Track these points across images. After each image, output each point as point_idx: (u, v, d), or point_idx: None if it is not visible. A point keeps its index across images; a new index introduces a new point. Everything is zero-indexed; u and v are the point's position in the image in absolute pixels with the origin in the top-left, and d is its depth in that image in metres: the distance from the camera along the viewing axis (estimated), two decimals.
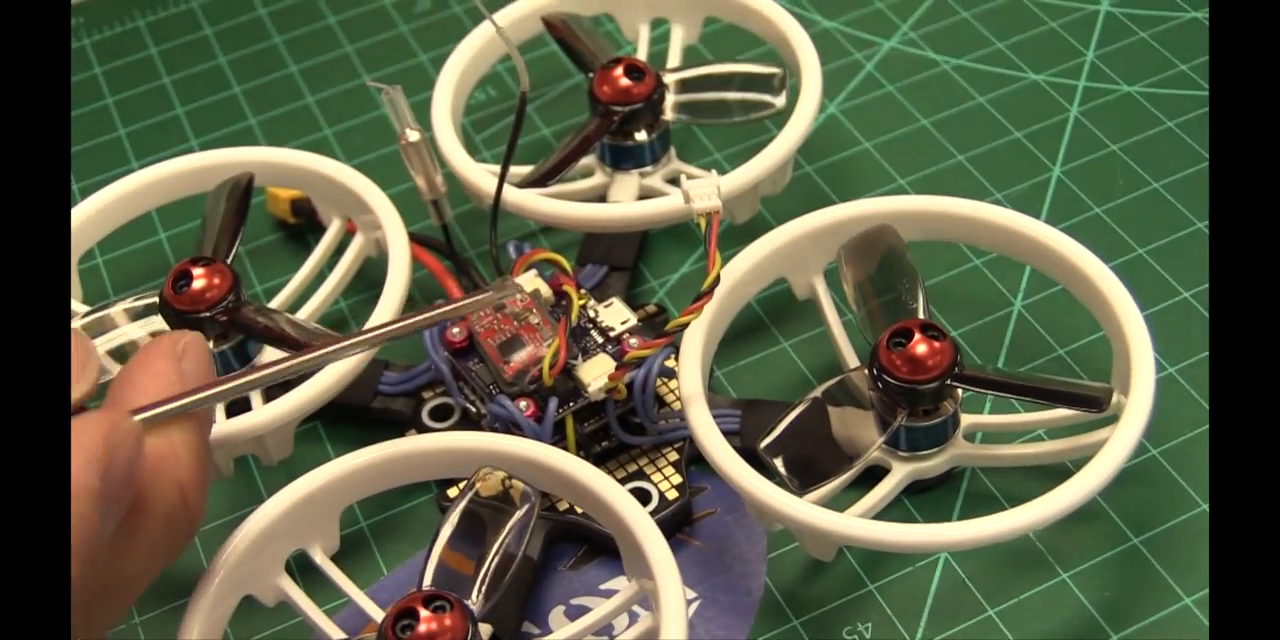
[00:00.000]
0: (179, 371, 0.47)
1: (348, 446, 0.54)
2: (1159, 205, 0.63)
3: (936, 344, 0.51)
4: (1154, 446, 0.56)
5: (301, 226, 0.67)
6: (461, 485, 0.50)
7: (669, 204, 0.58)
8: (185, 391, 0.46)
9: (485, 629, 0.51)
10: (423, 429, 0.58)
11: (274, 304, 0.60)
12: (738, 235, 0.61)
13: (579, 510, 0.54)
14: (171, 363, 0.47)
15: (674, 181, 0.63)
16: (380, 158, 0.70)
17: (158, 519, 0.45)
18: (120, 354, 0.57)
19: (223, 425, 0.54)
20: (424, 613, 0.45)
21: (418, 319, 0.49)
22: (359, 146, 0.71)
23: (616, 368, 0.53)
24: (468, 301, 0.50)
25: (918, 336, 0.51)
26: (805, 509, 0.49)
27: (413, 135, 0.58)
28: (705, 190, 0.51)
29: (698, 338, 0.54)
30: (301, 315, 0.59)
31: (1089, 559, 0.53)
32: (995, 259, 0.61)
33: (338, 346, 0.48)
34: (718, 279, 0.50)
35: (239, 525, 0.50)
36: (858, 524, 0.49)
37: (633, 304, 0.61)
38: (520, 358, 0.53)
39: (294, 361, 0.48)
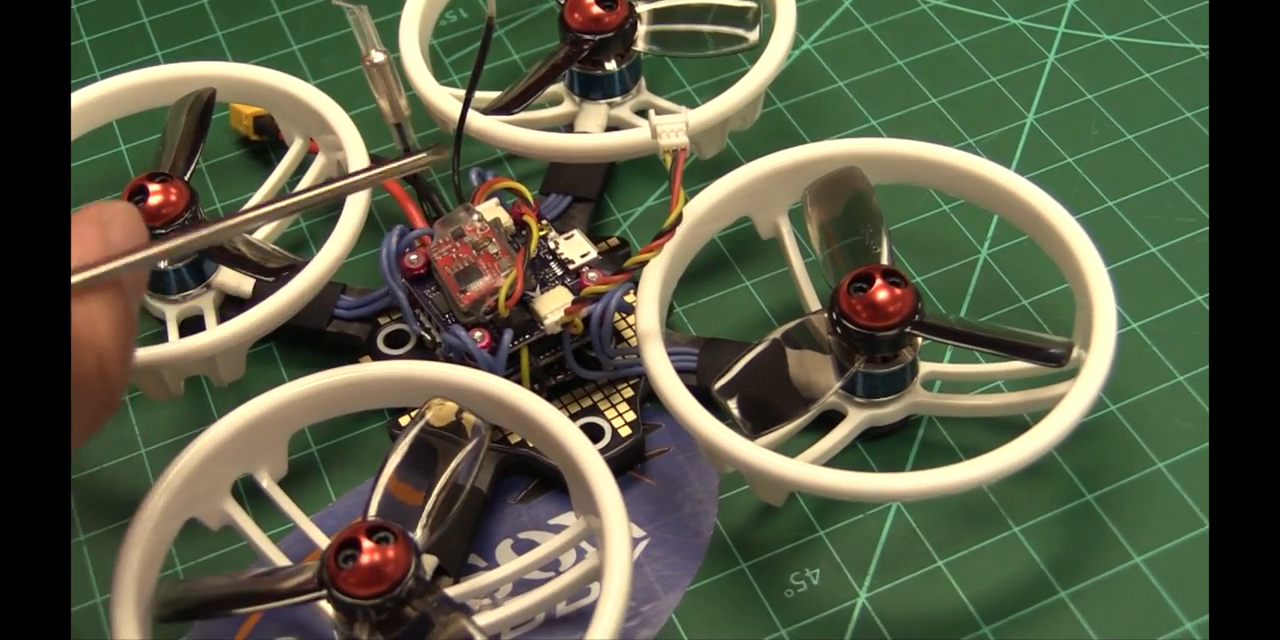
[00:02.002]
0: (105, 240, 0.44)
1: (302, 369, 0.54)
2: (1132, 157, 0.63)
3: (898, 291, 0.50)
4: (1112, 402, 0.55)
5: (264, 144, 0.66)
6: (414, 414, 0.50)
7: (635, 136, 0.57)
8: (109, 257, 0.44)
9: (430, 560, 0.51)
10: (377, 355, 0.58)
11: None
12: (704, 170, 0.60)
13: (530, 443, 0.54)
14: (97, 230, 0.44)
15: (642, 113, 0.62)
16: (347, 76, 0.69)
17: (73, 390, 0.42)
18: None
19: (173, 345, 0.53)
20: (367, 543, 0.45)
21: (333, 186, 0.48)
22: (326, 64, 0.70)
23: (573, 302, 0.52)
24: (394, 166, 0.48)
25: (879, 282, 0.50)
26: (756, 453, 0.48)
27: (377, 57, 0.56)
28: (673, 127, 0.51)
29: (656, 275, 0.53)
30: (260, 235, 0.59)
31: (1041, 513, 0.53)
32: (963, 205, 0.61)
33: (249, 216, 0.47)
34: (680, 217, 0.50)
35: (185, 447, 0.49)
36: (808, 470, 0.48)
37: (596, 236, 0.60)
38: (477, 287, 0.53)
39: (207, 231, 0.46)
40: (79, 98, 0.60)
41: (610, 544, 0.46)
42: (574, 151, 0.58)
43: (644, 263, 0.50)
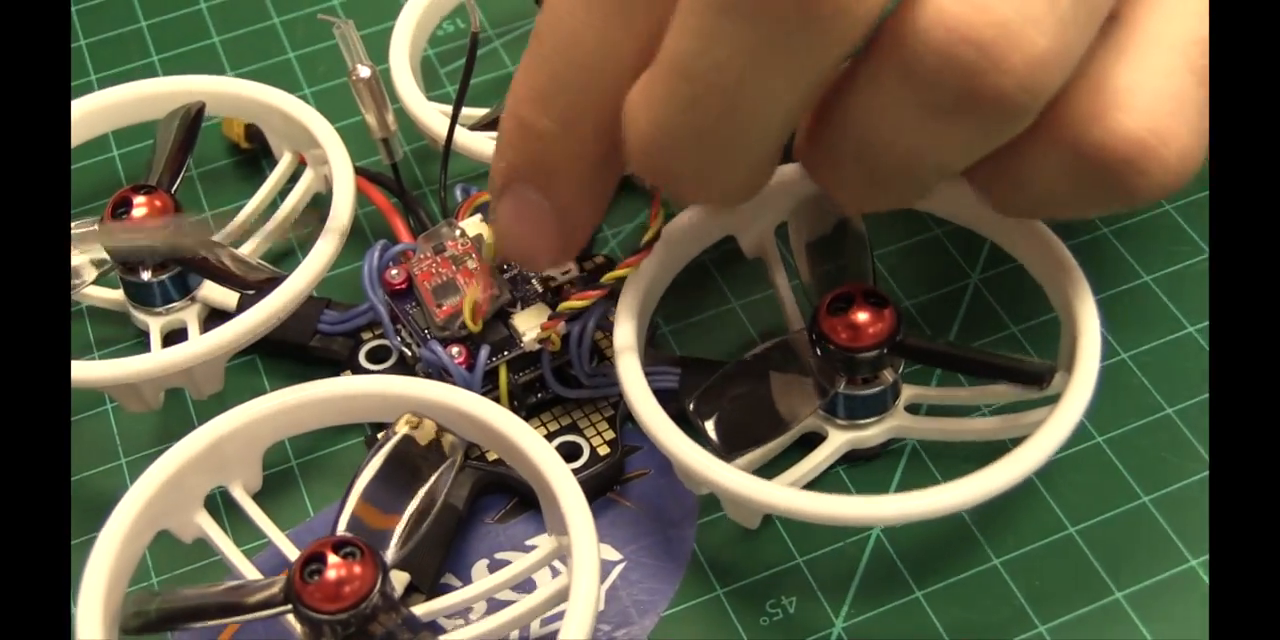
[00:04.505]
0: None
1: (286, 381, 0.53)
2: None
3: (878, 311, 0.49)
4: (1099, 434, 0.54)
5: (256, 152, 0.66)
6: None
7: None
8: None
9: (401, 577, 0.50)
10: (359, 370, 0.57)
11: (221, 234, 0.59)
12: None
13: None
14: None
15: None
16: (342, 85, 0.68)
17: None
18: None
19: (147, 358, 0.53)
20: (333, 559, 0.45)
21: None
22: (322, 73, 0.69)
23: (549, 318, 0.52)
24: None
25: (859, 302, 0.50)
26: (729, 474, 0.48)
27: (364, 71, 0.56)
28: None
29: (635, 292, 0.52)
30: (248, 248, 0.59)
31: (1023, 546, 0.52)
32: (956, 229, 0.60)
33: None
34: (658, 234, 0.49)
35: (156, 459, 0.49)
36: (780, 492, 0.47)
37: (583, 254, 0.60)
38: (453, 302, 0.52)
39: None
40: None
41: (577, 562, 0.46)
42: None
43: (620, 278, 0.50)
